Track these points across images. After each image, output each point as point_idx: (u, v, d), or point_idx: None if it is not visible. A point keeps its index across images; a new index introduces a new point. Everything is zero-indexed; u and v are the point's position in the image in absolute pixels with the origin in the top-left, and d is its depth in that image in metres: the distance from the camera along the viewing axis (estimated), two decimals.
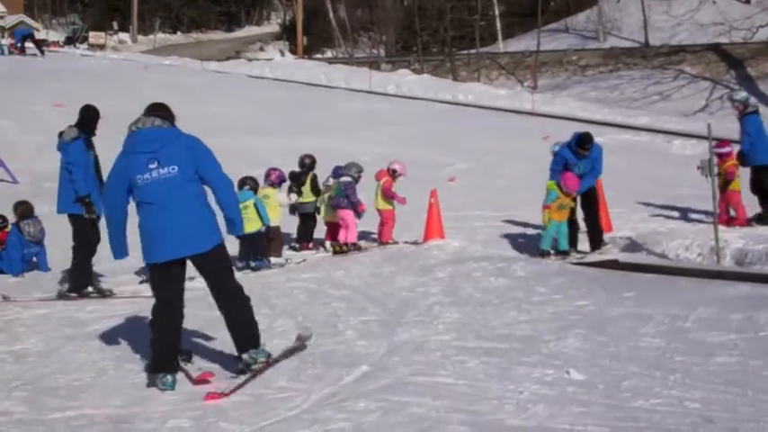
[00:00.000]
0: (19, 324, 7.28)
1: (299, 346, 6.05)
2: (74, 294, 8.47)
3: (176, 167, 5.24)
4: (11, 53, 38.34)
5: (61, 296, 8.49)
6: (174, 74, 35.31)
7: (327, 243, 10.99)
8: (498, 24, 45.77)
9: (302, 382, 5.37)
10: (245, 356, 5.49)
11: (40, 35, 47.77)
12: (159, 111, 5.51)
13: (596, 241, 10.45)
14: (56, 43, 50.84)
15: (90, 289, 8.62)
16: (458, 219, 12.38)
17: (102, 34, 56.51)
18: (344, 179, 10.75)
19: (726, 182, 11.21)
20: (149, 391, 5.35)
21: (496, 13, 45.95)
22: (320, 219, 11.33)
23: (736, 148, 11.60)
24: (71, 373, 5.76)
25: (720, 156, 11.29)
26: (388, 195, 10.79)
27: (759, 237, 10.01)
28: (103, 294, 8.63)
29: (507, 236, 11.61)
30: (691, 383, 4.94)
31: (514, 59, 41.64)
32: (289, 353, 5.88)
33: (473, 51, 42.80)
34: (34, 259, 10.16)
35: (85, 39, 55.52)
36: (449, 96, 32.22)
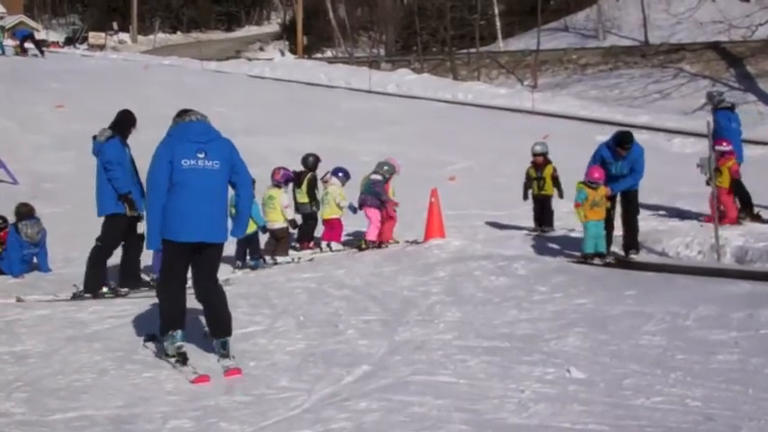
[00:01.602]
0: (20, 325, 7.27)
1: None
2: (88, 295, 8.40)
3: (219, 163, 5.70)
4: (16, 53, 38.38)
5: (76, 297, 8.40)
6: (174, 74, 35.30)
7: (323, 243, 10.97)
8: (498, 23, 45.78)
9: (303, 381, 5.37)
10: (219, 340, 5.83)
11: (39, 35, 47.78)
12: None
13: (630, 245, 10.00)
14: (56, 44, 50.86)
15: (105, 289, 8.54)
16: (458, 217, 12.38)
17: (102, 34, 56.55)
18: (375, 177, 10.75)
19: (734, 180, 11.22)
20: (150, 392, 5.34)
21: (496, 12, 45.95)
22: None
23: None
24: (72, 374, 5.76)
25: (722, 154, 11.30)
26: (384, 199, 10.78)
27: (759, 235, 10.00)
28: (117, 293, 8.54)
29: (508, 234, 11.60)
30: (692, 381, 4.95)
31: (514, 58, 41.65)
32: None
33: (473, 50, 42.80)
34: (35, 260, 10.14)
35: (85, 39, 55.56)
36: (449, 95, 32.23)
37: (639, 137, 24.54)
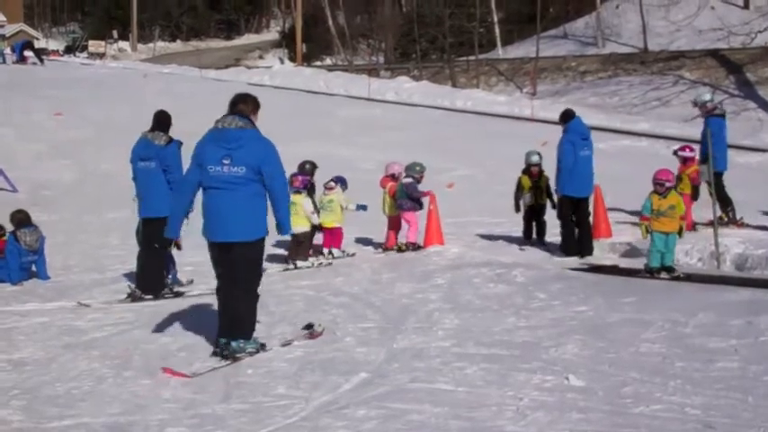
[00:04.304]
0: (18, 332, 7.25)
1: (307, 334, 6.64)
2: (149, 296, 8.53)
3: (244, 169, 5.88)
4: (14, 62, 38.56)
5: (136, 299, 8.50)
6: (173, 82, 35.37)
7: (325, 250, 10.96)
8: (497, 31, 45.86)
9: (301, 389, 5.35)
10: (233, 343, 6.06)
11: (39, 44, 47.95)
12: (243, 105, 6.09)
13: (585, 248, 10.35)
14: (56, 52, 51.02)
15: (165, 290, 8.75)
16: (457, 224, 12.37)
17: (102, 43, 56.72)
18: (406, 180, 10.86)
19: (693, 187, 11.20)
20: (148, 399, 5.32)
21: (495, 19, 46.03)
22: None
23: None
24: (69, 382, 5.74)
25: (684, 160, 11.28)
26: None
27: (759, 242, 9.99)
28: (176, 294, 8.73)
29: (506, 242, 11.59)
30: (691, 389, 4.93)
31: (513, 66, 41.72)
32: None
33: (472, 58, 42.87)
34: (33, 268, 10.12)
35: (85, 47, 55.76)
36: (448, 103, 32.26)
37: (639, 144, 24.67)
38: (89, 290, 9.20)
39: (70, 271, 10.51)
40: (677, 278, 8.76)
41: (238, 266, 5.97)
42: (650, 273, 8.88)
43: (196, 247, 11.02)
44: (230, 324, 6.04)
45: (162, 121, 8.86)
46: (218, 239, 5.98)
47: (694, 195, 11.18)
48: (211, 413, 5.00)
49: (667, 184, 8.85)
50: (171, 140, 8.71)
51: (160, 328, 7.16)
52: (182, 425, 4.81)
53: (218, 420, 4.86)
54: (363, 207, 10.98)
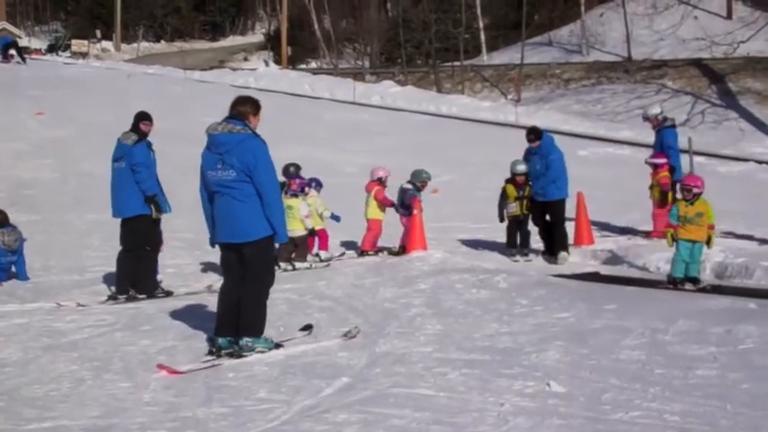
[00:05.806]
0: None
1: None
2: (142, 296, 8.54)
3: (234, 173, 6.05)
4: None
5: (130, 299, 8.49)
6: (157, 83, 35.23)
7: (311, 253, 10.96)
8: (483, 37, 46.08)
9: (282, 393, 5.33)
10: (241, 342, 6.13)
11: (22, 43, 47.62)
12: (242, 107, 6.25)
13: (552, 251, 10.57)
14: (38, 51, 50.68)
15: (158, 290, 8.81)
16: (441, 230, 12.39)
17: (85, 42, 56.40)
18: (405, 185, 11.06)
19: (663, 193, 11.21)
20: (128, 402, 5.29)
21: (481, 25, 46.25)
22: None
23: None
24: (48, 384, 5.69)
25: (655, 167, 11.33)
26: (386, 204, 11.06)
27: (739, 251, 10.07)
28: (167, 294, 8.78)
29: (489, 247, 11.62)
30: (670, 396, 4.96)
31: (498, 72, 41.93)
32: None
33: (457, 64, 43.01)
34: (13, 268, 10.03)
35: (68, 47, 55.41)
36: (433, 108, 32.38)
37: (621, 151, 24.86)
38: (69, 291, 9.14)
39: (50, 272, 10.44)
40: (703, 290, 8.37)
41: (246, 266, 6.13)
42: (673, 283, 8.46)
43: (175, 250, 11.07)
44: (236, 322, 6.12)
45: (135, 120, 8.93)
46: (221, 240, 6.21)
47: (664, 202, 11.20)
48: (192, 416, 4.97)
49: (695, 191, 8.40)
50: (139, 140, 8.73)
51: (140, 330, 7.12)
52: (162, 428, 4.78)
53: (199, 424, 4.84)
54: (337, 218, 11.03)
